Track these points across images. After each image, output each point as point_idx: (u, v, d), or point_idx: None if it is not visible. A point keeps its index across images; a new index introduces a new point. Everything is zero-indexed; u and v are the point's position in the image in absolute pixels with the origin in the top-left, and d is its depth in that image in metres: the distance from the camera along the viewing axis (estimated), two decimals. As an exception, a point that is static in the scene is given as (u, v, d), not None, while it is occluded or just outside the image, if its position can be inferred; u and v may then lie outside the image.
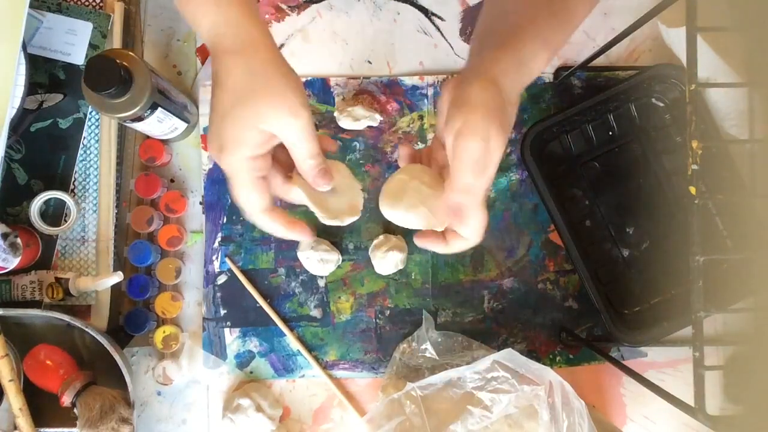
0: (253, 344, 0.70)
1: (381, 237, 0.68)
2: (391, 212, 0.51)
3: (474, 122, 0.45)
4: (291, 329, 0.70)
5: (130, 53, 0.56)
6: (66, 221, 0.67)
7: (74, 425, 0.61)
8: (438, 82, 0.71)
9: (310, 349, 0.70)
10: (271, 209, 0.47)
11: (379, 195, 0.52)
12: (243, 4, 0.47)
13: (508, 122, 0.47)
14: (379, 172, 0.71)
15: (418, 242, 0.52)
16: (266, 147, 0.45)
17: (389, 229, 0.71)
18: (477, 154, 0.46)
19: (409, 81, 0.71)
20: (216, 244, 0.70)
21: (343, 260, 0.70)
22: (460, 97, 0.46)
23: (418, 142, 0.71)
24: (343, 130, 0.71)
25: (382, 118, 0.71)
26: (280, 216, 0.48)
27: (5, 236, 0.60)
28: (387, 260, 0.67)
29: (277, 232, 0.49)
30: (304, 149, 0.46)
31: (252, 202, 0.46)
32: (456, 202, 0.48)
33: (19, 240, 0.61)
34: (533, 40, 0.50)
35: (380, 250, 0.67)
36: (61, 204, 0.67)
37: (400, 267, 0.68)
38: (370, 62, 0.72)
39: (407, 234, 0.70)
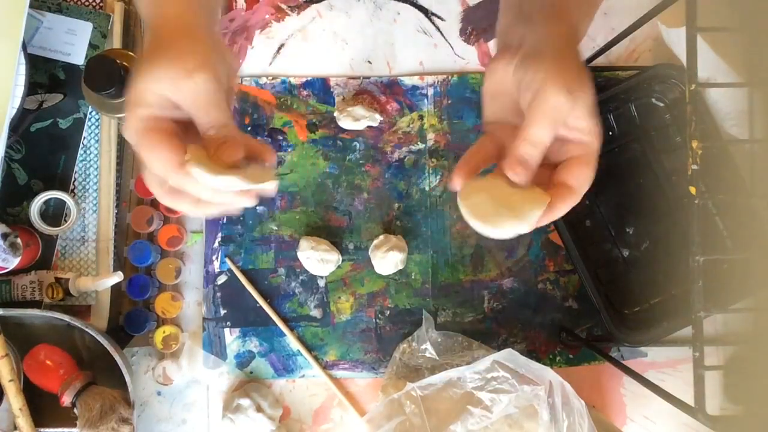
0: (253, 344, 0.70)
1: (381, 237, 0.68)
2: (493, 230, 0.46)
3: (555, 72, 0.41)
4: (291, 329, 0.70)
5: (130, 53, 0.56)
6: (66, 221, 0.67)
7: (74, 425, 0.61)
8: (438, 82, 0.71)
9: (310, 349, 0.70)
10: (181, 169, 0.40)
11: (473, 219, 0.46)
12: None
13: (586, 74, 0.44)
14: (379, 172, 0.71)
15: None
16: (166, 111, 0.41)
17: (389, 229, 0.71)
18: (564, 107, 0.42)
19: (409, 81, 0.71)
20: (216, 244, 0.70)
21: (343, 260, 0.70)
22: (532, 53, 0.43)
23: (418, 142, 0.71)
24: (343, 130, 0.71)
25: (382, 118, 0.71)
26: (187, 180, 0.40)
27: (5, 236, 0.60)
28: (387, 260, 0.67)
29: (185, 208, 0.43)
30: (201, 117, 0.41)
31: (152, 162, 0.40)
32: (530, 154, 0.42)
33: (19, 240, 0.61)
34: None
35: (380, 250, 0.67)
36: (61, 204, 0.67)
37: (400, 267, 0.68)
38: (370, 62, 0.72)
39: (407, 234, 0.70)
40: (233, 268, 0.70)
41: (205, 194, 0.42)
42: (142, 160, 0.41)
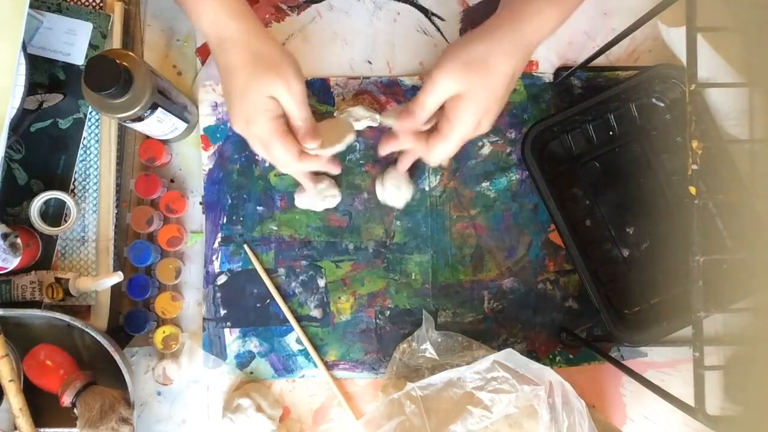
0: (253, 344, 0.70)
1: (391, 170, 0.69)
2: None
3: (475, 88, 0.56)
4: (301, 326, 0.70)
5: (130, 53, 0.56)
6: (66, 221, 0.67)
7: (74, 425, 0.61)
8: (438, 82, 0.71)
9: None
10: (303, 153, 0.59)
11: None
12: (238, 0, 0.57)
13: (504, 85, 0.57)
14: (378, 172, 0.71)
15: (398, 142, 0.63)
16: (279, 110, 0.57)
17: (389, 228, 0.71)
18: (473, 120, 0.57)
19: (409, 81, 0.71)
20: (216, 245, 0.70)
21: (343, 260, 0.70)
22: (466, 58, 0.56)
23: (418, 142, 0.71)
24: (343, 130, 0.71)
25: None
26: (310, 156, 0.60)
27: (5, 236, 0.60)
28: (398, 192, 0.68)
29: (313, 167, 0.62)
30: (301, 112, 0.57)
31: (289, 150, 0.57)
32: (443, 154, 0.60)
33: (19, 240, 0.61)
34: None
35: (389, 181, 0.68)
36: (61, 204, 0.67)
37: (409, 198, 0.69)
38: (370, 62, 0.72)
39: (407, 234, 0.70)
40: (251, 256, 0.69)
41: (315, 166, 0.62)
42: (273, 153, 0.58)
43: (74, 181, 0.68)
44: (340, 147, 0.63)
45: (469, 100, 0.56)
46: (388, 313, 0.70)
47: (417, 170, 0.71)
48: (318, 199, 0.68)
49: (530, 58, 0.61)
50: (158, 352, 0.68)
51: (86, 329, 0.62)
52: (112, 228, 0.67)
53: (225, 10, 0.57)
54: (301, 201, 0.69)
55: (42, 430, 0.62)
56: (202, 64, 0.71)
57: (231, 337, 0.70)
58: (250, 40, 0.57)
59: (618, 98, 0.67)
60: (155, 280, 0.69)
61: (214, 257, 0.70)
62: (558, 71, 0.71)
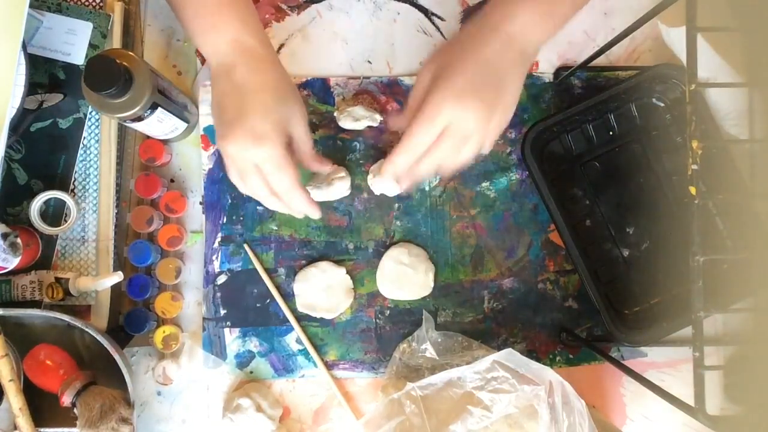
0: (253, 344, 0.70)
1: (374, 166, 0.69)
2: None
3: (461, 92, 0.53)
4: (301, 326, 0.70)
5: (130, 53, 0.56)
6: (66, 221, 0.67)
7: (74, 425, 0.61)
8: (438, 82, 0.71)
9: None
10: (301, 186, 0.58)
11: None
12: (257, 18, 0.58)
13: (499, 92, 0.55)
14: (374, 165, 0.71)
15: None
16: (287, 139, 0.56)
17: (389, 228, 0.71)
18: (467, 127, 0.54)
19: (409, 81, 0.71)
20: (216, 244, 0.70)
21: (343, 260, 0.70)
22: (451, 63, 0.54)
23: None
24: (343, 130, 0.71)
25: (382, 118, 0.71)
26: (305, 192, 0.59)
27: (5, 236, 0.60)
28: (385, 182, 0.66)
29: (302, 205, 0.59)
30: (306, 142, 0.59)
31: (292, 177, 0.56)
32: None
33: (19, 240, 0.61)
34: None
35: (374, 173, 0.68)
36: (61, 204, 0.67)
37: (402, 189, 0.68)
38: (370, 62, 0.72)
39: (407, 234, 0.70)
40: (252, 255, 0.69)
41: (298, 205, 0.59)
42: (278, 177, 0.55)
43: (74, 181, 0.68)
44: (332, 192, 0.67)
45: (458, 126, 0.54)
46: (388, 312, 0.70)
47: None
48: (326, 186, 0.67)
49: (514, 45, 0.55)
50: (158, 352, 0.68)
51: (86, 329, 0.62)
52: (112, 228, 0.67)
53: (248, 29, 0.56)
54: (314, 195, 0.68)
55: (42, 430, 0.62)
56: (202, 64, 0.71)
57: (231, 337, 0.70)
58: (276, 62, 0.58)
59: (618, 98, 0.67)
60: (155, 280, 0.69)
61: (214, 257, 0.70)
62: (558, 71, 0.71)
